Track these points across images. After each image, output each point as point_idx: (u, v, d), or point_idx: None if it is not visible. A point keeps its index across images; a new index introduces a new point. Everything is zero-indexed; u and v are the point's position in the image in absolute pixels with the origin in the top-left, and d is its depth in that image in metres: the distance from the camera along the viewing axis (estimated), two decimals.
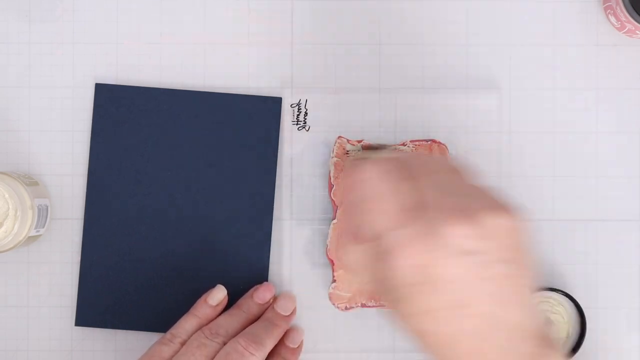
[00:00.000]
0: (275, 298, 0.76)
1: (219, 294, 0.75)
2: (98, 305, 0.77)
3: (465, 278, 0.56)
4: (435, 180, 0.60)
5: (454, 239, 0.56)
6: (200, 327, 0.73)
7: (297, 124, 0.78)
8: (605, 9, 0.77)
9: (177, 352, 0.71)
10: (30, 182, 0.74)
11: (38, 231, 0.74)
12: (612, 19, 0.76)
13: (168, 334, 0.72)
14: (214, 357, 0.70)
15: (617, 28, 0.77)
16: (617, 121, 0.78)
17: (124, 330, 0.77)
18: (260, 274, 0.77)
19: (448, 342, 0.58)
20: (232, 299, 0.76)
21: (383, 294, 0.60)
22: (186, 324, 0.73)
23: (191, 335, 0.72)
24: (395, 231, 0.57)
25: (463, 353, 0.58)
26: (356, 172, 0.61)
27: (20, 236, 0.71)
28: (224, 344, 0.71)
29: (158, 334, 0.75)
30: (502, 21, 0.78)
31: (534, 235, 0.58)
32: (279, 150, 0.77)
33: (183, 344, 0.71)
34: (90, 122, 0.77)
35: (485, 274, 0.57)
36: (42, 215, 0.74)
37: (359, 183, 0.61)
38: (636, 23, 0.73)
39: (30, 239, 0.73)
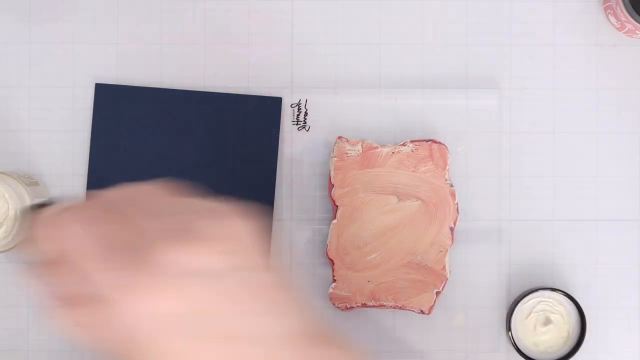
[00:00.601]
0: None
1: None
2: None
3: (204, 299, 0.49)
4: (144, 208, 0.53)
5: (171, 264, 0.49)
6: None
7: (297, 124, 0.78)
8: (605, 9, 0.77)
9: None
10: (30, 182, 0.74)
11: None
12: (612, 19, 0.76)
13: None
14: None
15: (617, 28, 0.77)
16: (617, 121, 0.78)
17: None
18: None
19: None
20: None
21: (124, 356, 0.51)
22: None
23: None
24: (109, 281, 0.49)
25: None
26: (51, 228, 0.52)
27: (20, 236, 0.71)
28: None
29: None
30: (502, 21, 0.78)
31: (266, 226, 0.53)
32: (279, 150, 0.77)
33: None
34: (90, 122, 0.77)
35: (220, 289, 0.49)
36: None
37: (59, 240, 0.52)
38: (636, 23, 0.73)
39: None
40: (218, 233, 0.50)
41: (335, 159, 0.76)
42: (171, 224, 0.51)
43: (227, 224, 0.51)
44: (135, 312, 0.49)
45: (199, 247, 0.49)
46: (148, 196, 0.54)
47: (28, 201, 0.71)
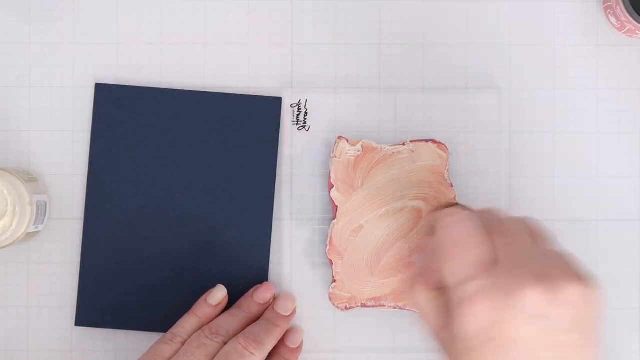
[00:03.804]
0: (275, 298, 0.76)
1: (219, 294, 0.75)
2: (98, 305, 0.77)
3: (532, 342, 0.57)
4: (516, 240, 0.61)
5: (529, 302, 0.57)
6: (200, 327, 0.73)
7: (297, 124, 0.78)
8: (605, 9, 0.77)
9: (177, 351, 0.71)
10: (29, 178, 0.74)
11: (37, 227, 0.74)
12: (612, 19, 0.77)
13: (169, 334, 0.72)
14: (214, 357, 0.70)
15: (617, 28, 0.77)
16: (617, 121, 0.78)
17: (124, 330, 0.77)
18: (260, 274, 0.77)
19: None
20: (232, 299, 0.76)
21: (449, 342, 0.60)
22: (187, 323, 0.73)
23: (191, 335, 0.72)
24: (473, 282, 0.58)
25: None
26: (447, 215, 0.62)
27: (18, 232, 0.71)
28: (224, 343, 0.71)
29: (158, 334, 0.75)
30: (502, 21, 0.78)
31: (604, 307, 0.61)
32: (279, 150, 0.77)
33: (183, 343, 0.71)
34: (90, 122, 0.77)
35: (552, 341, 0.57)
36: (41, 211, 0.74)
37: (447, 227, 0.62)
38: (636, 23, 0.73)
39: (29, 235, 0.74)
40: (574, 295, 0.57)
41: (335, 159, 0.76)
42: (535, 266, 0.58)
43: (584, 290, 0.58)
44: (476, 316, 0.57)
45: (555, 301, 0.57)
46: (522, 230, 0.63)
47: (27, 197, 0.71)
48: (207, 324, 0.73)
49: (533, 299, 0.57)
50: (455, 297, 0.59)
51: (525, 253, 0.60)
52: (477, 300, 0.58)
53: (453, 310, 0.59)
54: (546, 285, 0.57)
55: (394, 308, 0.76)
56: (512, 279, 0.58)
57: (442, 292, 0.63)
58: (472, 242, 0.61)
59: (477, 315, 0.58)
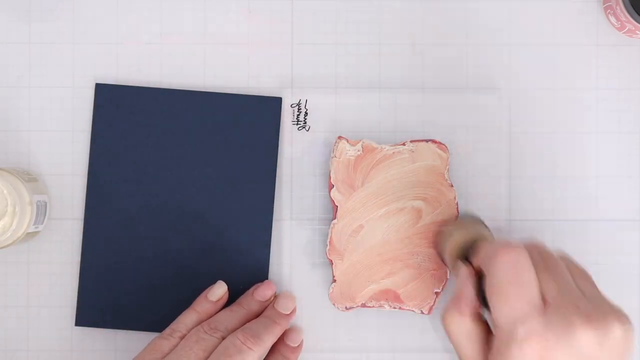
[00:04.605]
0: (275, 297, 0.76)
1: (219, 290, 0.75)
2: (98, 305, 0.77)
3: None
4: (560, 278, 0.62)
5: (580, 342, 0.58)
6: (200, 323, 0.73)
7: (297, 124, 0.78)
8: (605, 9, 0.77)
9: (176, 346, 0.71)
10: (29, 178, 0.74)
11: (37, 227, 0.74)
12: (612, 19, 0.77)
13: (168, 329, 0.72)
14: (212, 352, 0.70)
15: (617, 28, 0.77)
16: (617, 121, 0.78)
17: (124, 330, 0.77)
18: (260, 274, 0.77)
19: None
20: (232, 300, 0.76)
21: None
22: (186, 319, 0.73)
23: (191, 330, 0.72)
24: (526, 322, 0.59)
25: None
26: (504, 252, 0.62)
27: (18, 232, 0.71)
28: (223, 339, 0.71)
29: (158, 334, 0.75)
30: (502, 21, 0.78)
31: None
32: (279, 150, 0.77)
33: (182, 338, 0.71)
34: (90, 122, 0.77)
35: None
36: (41, 211, 0.74)
37: (505, 264, 0.62)
38: (636, 23, 0.73)
39: (29, 235, 0.74)
40: (621, 334, 0.59)
41: (335, 159, 0.76)
42: (586, 306, 0.59)
43: (627, 328, 0.59)
44: (526, 354, 0.58)
45: (603, 341, 0.58)
46: (573, 268, 0.64)
47: (27, 197, 0.71)
48: (206, 320, 0.73)
49: (584, 340, 0.58)
50: (504, 335, 0.60)
51: (570, 292, 0.61)
52: (528, 340, 0.58)
53: (499, 348, 0.60)
54: (595, 326, 0.58)
55: (394, 308, 0.76)
56: (562, 319, 0.59)
57: (478, 323, 0.64)
58: (526, 281, 0.61)
59: (527, 356, 0.58)
